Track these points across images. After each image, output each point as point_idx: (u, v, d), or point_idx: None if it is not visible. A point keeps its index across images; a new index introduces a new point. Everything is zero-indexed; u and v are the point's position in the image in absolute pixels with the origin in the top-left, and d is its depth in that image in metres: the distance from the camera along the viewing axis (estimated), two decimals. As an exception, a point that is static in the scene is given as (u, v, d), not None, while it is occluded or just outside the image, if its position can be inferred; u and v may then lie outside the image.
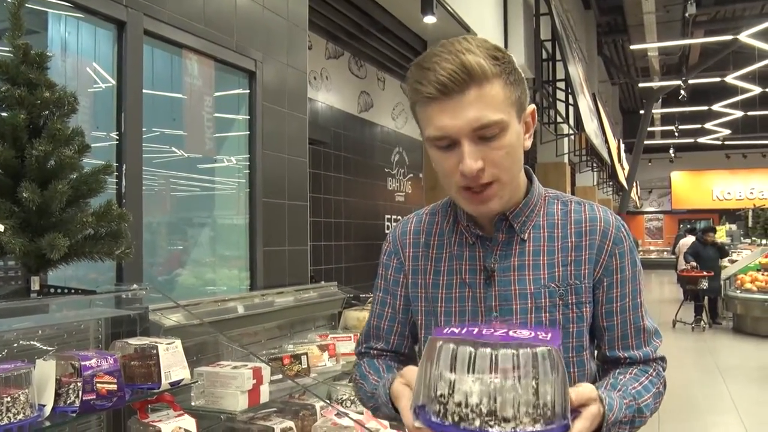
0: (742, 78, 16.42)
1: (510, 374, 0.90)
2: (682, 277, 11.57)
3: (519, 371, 0.90)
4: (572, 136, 11.30)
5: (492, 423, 0.89)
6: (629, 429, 1.14)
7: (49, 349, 1.97)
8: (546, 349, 0.92)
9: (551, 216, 1.27)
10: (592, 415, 1.02)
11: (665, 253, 26.19)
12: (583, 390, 1.03)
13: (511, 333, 0.96)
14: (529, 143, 1.22)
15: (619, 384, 1.19)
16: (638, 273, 1.28)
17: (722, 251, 11.87)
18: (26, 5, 1.87)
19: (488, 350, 0.91)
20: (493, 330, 0.98)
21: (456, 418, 0.90)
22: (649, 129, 21.67)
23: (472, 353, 0.92)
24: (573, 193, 14.83)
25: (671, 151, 26.81)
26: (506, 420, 0.89)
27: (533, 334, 0.96)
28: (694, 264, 11.41)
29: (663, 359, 1.29)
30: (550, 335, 0.95)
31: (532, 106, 1.23)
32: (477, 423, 0.89)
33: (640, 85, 19.99)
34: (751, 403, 6.38)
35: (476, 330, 0.98)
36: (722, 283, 11.41)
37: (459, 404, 0.90)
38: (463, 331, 0.97)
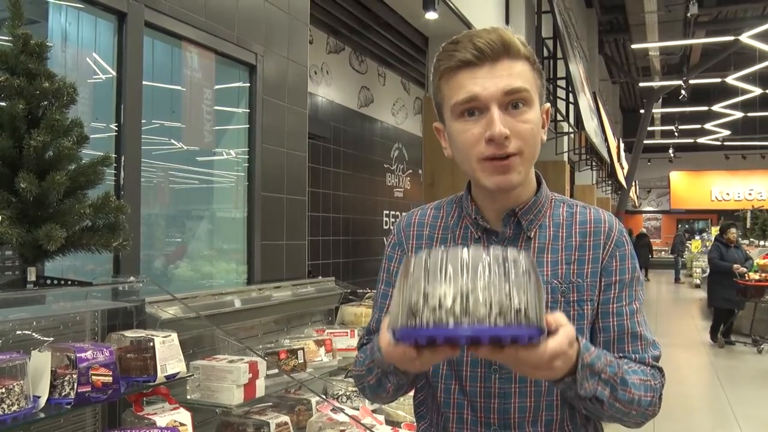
0: (743, 79, 16.44)
1: (482, 275, 0.89)
2: (742, 288, 9.05)
3: (490, 272, 0.89)
4: (572, 135, 11.29)
5: (465, 322, 0.88)
6: (610, 394, 1.10)
7: (44, 340, 1.97)
8: (515, 252, 0.92)
9: (557, 217, 1.29)
10: (569, 336, 0.99)
11: (663, 252, 26.20)
12: (560, 316, 1.00)
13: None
14: (545, 138, 1.26)
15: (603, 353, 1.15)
16: (636, 280, 1.27)
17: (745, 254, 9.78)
18: (26, -6, 1.86)
19: (460, 249, 0.92)
20: None
21: (430, 323, 0.88)
22: (649, 128, 21.66)
23: (443, 256, 0.91)
24: (572, 192, 14.72)
25: (671, 151, 26.80)
26: (479, 320, 0.88)
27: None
28: (744, 269, 9.23)
29: (661, 370, 1.25)
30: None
31: (548, 104, 1.28)
32: (450, 323, 0.88)
33: (641, 84, 19.97)
34: (748, 405, 6.38)
35: None
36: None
37: (434, 309, 0.88)
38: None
